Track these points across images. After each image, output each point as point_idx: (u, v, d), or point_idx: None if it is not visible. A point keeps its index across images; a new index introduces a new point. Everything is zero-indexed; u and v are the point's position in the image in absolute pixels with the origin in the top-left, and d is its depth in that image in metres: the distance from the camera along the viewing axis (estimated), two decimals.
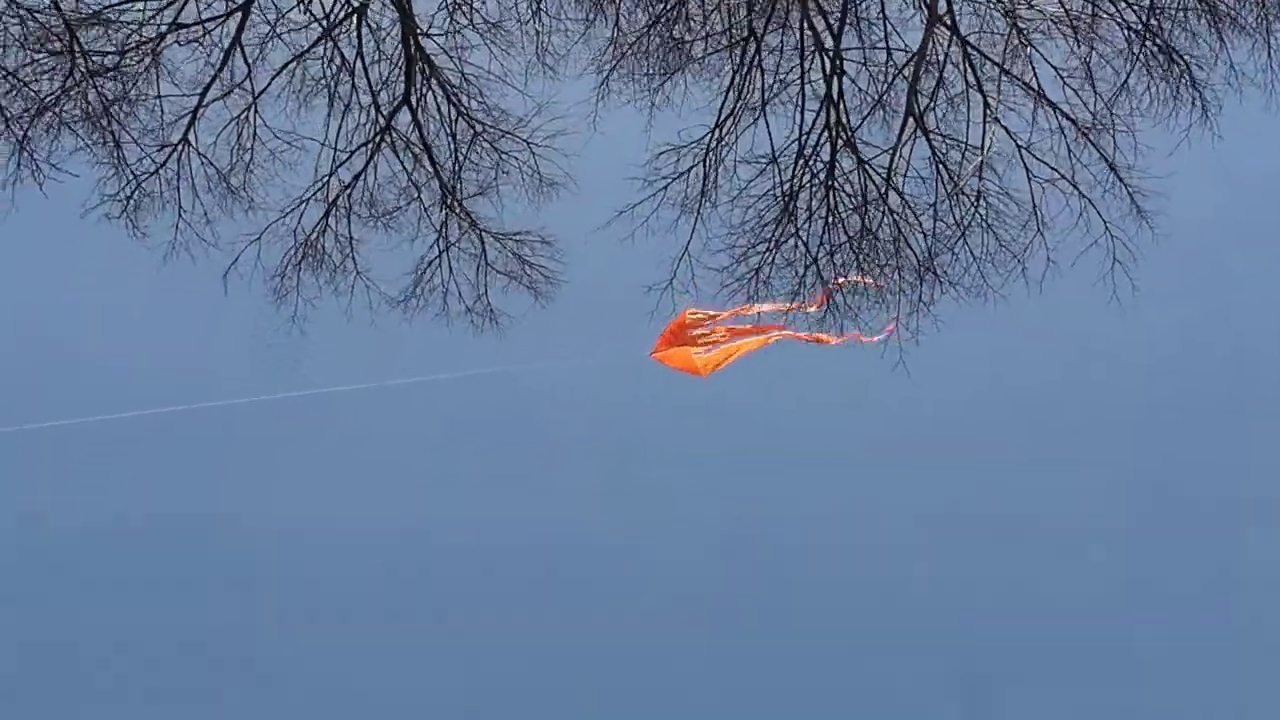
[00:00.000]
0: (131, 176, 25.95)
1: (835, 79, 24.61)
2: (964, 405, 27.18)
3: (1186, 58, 24.21)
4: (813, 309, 21.67)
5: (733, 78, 24.43)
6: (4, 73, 24.39)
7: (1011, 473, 28.49)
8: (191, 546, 29.11)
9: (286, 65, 26.35)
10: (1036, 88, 24.72)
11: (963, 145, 24.25)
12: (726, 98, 24.43)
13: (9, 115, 24.64)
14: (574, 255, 26.38)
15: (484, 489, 29.41)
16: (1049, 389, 27.53)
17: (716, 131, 24.40)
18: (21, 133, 24.72)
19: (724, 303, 24.63)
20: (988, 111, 23.51)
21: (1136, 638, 28.28)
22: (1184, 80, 23.89)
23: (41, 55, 25.01)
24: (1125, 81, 24.79)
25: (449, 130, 26.68)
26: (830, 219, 24.75)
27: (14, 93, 24.88)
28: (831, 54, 24.74)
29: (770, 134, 24.50)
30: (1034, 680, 27.57)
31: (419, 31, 26.51)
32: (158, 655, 28.61)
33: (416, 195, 26.36)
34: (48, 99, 25.02)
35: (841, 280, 22.69)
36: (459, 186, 26.55)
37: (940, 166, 24.71)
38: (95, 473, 29.16)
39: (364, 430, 29.67)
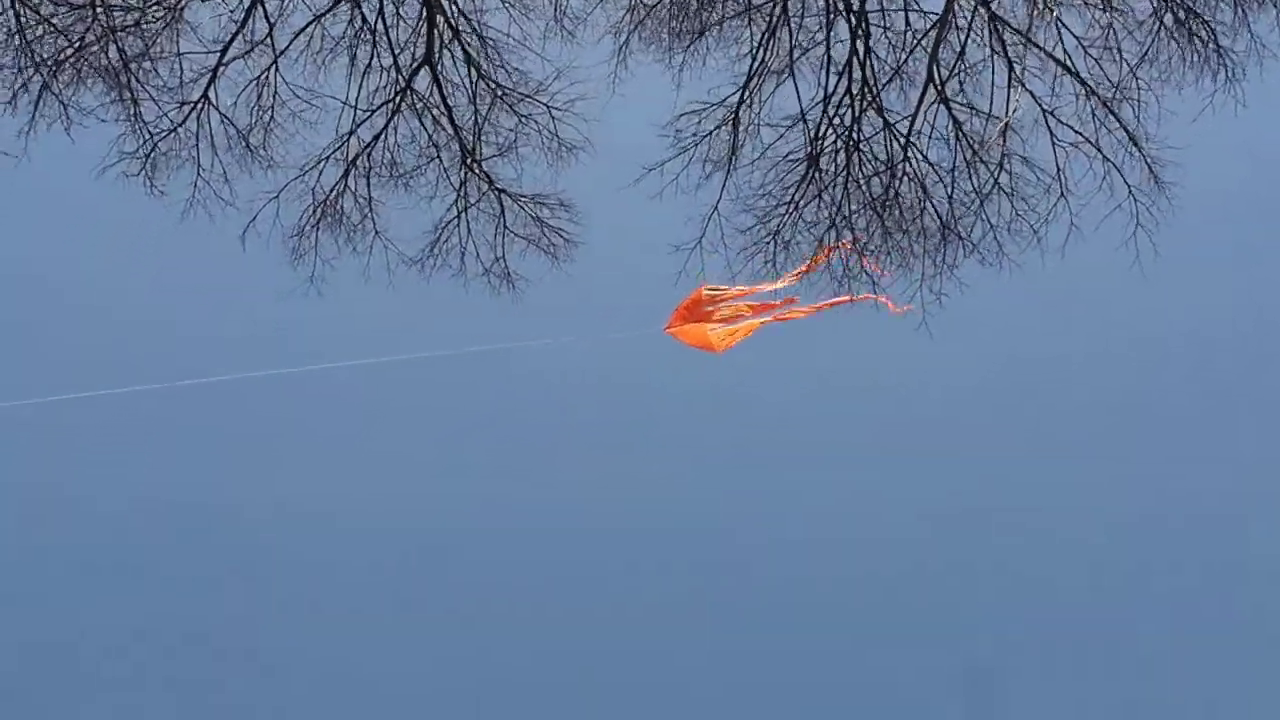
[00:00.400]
0: (149, 135, 25.93)
1: (859, 41, 24.54)
2: (984, 375, 27.05)
3: (1211, 24, 24.14)
4: (828, 258, 21.21)
5: (761, 37, 24.35)
6: (32, 19, 24.37)
7: (1027, 457, 28.35)
8: (180, 531, 28.89)
9: (307, 26, 26.24)
10: (1060, 56, 24.62)
11: (985, 114, 24.19)
12: (755, 56, 24.34)
13: (38, 60, 24.61)
14: (594, 219, 26.38)
15: (491, 470, 29.23)
16: (1068, 360, 27.38)
17: (744, 91, 24.33)
18: (43, 81, 24.68)
19: (746, 262, 24.77)
20: (1012, 75, 23.44)
21: (1141, 631, 28.10)
22: (1209, 46, 23.83)
23: (64, 6, 24.99)
24: (1147, 52, 24.71)
25: (469, 92, 26.61)
26: (850, 183, 24.73)
27: (38, 42, 24.86)
28: (856, 15, 24.68)
29: (799, 94, 24.44)
30: (1036, 675, 27.39)
31: None
32: (161, 646, 28.42)
33: (436, 155, 26.27)
34: (68, 51, 25.00)
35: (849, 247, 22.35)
36: (478, 148, 26.49)
37: (959, 133, 24.66)
38: (89, 451, 28.93)
39: (368, 406, 29.42)
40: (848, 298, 21.21)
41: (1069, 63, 24.51)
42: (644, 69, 26.09)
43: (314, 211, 26.20)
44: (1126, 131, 24.30)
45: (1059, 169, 23.54)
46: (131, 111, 25.90)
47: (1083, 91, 24.12)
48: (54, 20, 24.83)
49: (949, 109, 24.87)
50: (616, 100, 26.17)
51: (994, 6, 24.54)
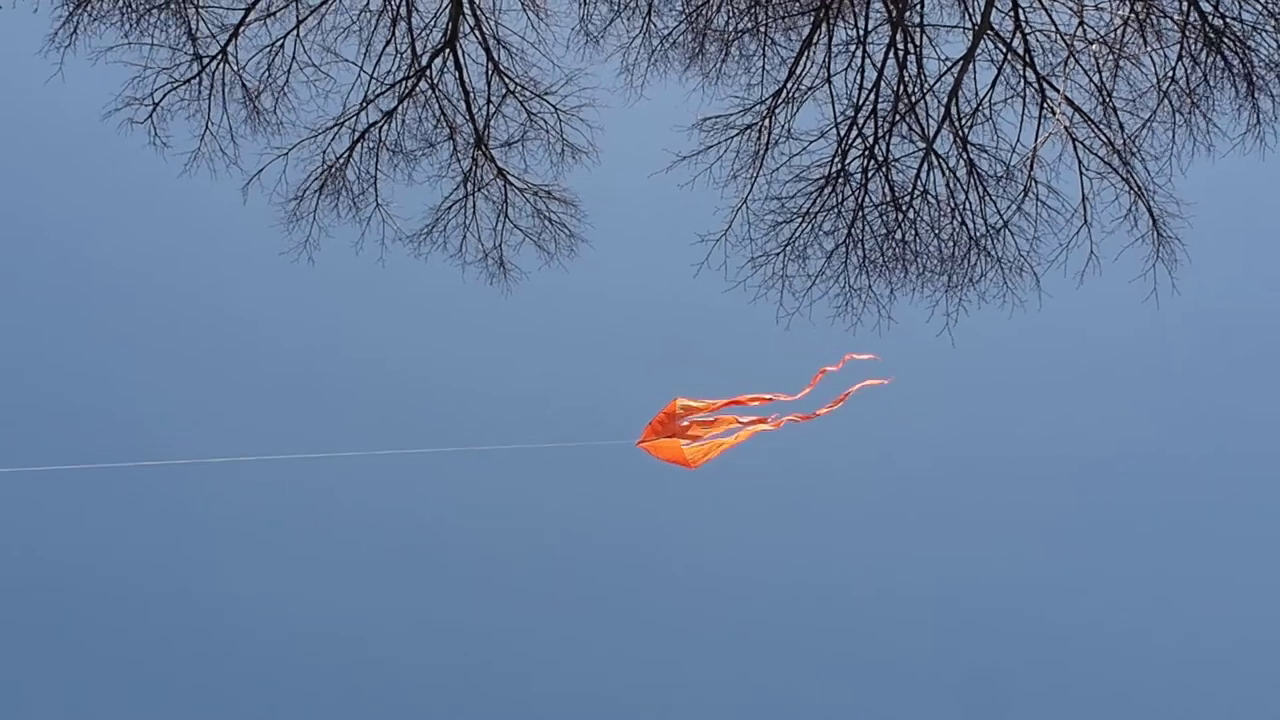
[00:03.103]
0: (167, 82, 25.50)
1: (891, 63, 24.91)
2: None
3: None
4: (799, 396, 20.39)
5: (801, 48, 24.58)
6: None
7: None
8: None
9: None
10: (1072, 108, 25.10)
11: (1010, 143, 24.59)
12: (799, 62, 24.56)
13: None
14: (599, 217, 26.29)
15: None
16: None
17: (780, 95, 24.54)
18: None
19: (755, 270, 24.80)
20: (1044, 104, 23.87)
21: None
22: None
23: None
24: (1150, 121, 25.27)
25: (485, 82, 26.55)
26: (864, 201, 24.95)
27: None
28: (887, 44, 25.08)
29: (835, 108, 24.70)
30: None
31: None
32: None
33: (450, 135, 26.04)
34: None
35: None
36: (488, 134, 26.36)
37: (973, 165, 25.02)
38: None
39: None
40: (825, 409, 19.85)
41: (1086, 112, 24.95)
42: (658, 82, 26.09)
43: (319, 176, 25.78)
44: (1136, 184, 24.71)
45: (1084, 197, 23.81)
46: (146, 56, 25.51)
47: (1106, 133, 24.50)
48: None
49: (963, 143, 25.19)
50: (627, 112, 26.15)
51: (1018, 48, 24.98)
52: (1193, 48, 24.94)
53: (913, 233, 24.74)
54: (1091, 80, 25.10)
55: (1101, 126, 25.01)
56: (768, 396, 19.07)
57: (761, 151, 24.31)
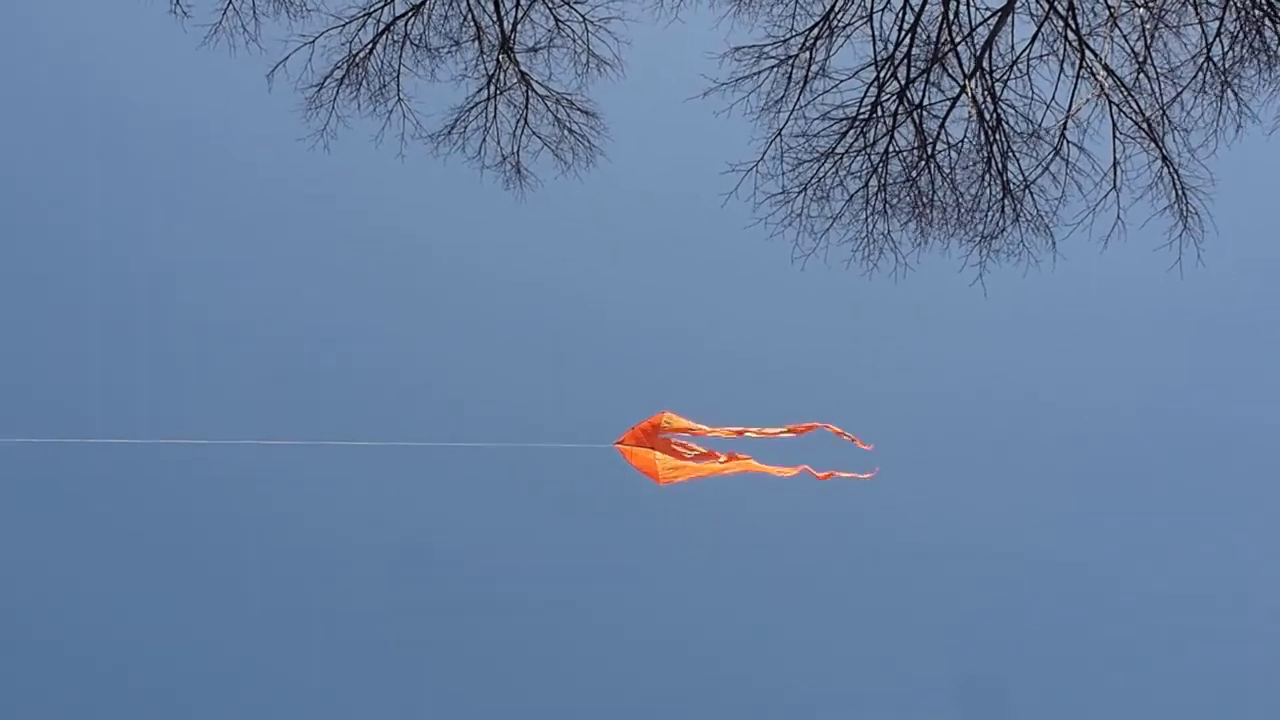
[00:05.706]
0: None
1: (935, 4, 24.56)
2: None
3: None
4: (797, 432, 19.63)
5: None
6: None
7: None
8: None
9: None
10: (1106, 72, 24.83)
11: (1044, 102, 24.31)
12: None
13: None
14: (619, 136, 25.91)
15: None
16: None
17: (818, 29, 24.15)
18: None
19: (777, 208, 24.50)
20: (1083, 64, 23.59)
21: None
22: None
23: None
24: (1183, 93, 25.04)
25: None
26: (890, 146, 24.65)
27: None
28: None
29: (875, 47, 24.30)
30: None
31: None
32: None
33: (475, 35, 25.54)
34: None
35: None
36: (514, 38, 25.89)
37: (999, 122, 24.73)
38: None
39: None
40: (802, 469, 18.98)
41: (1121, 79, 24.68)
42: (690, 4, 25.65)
43: (342, 65, 25.26)
44: (1163, 157, 24.49)
45: (1115, 162, 23.57)
46: None
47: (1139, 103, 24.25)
48: None
49: (994, 98, 24.88)
50: (655, 31, 25.68)
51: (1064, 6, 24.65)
52: (1232, 26, 24.69)
53: (942, 181, 24.37)
54: (1130, 45, 24.79)
55: (1135, 93, 24.74)
56: (753, 431, 18.75)
57: (800, 84, 23.89)
